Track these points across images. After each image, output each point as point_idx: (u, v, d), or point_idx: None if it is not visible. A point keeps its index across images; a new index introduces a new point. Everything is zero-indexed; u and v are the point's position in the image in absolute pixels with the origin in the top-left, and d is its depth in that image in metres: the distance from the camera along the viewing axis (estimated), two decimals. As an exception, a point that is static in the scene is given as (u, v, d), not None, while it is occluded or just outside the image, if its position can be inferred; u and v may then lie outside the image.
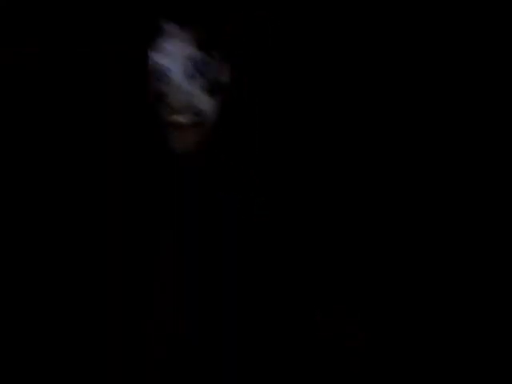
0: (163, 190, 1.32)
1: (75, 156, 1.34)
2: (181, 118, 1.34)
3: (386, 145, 1.40)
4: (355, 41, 1.40)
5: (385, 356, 1.33)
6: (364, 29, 1.40)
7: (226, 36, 1.37)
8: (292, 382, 1.29)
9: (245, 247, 1.28)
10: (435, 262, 1.37)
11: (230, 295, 1.27)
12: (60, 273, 1.29)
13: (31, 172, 1.34)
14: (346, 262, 1.33)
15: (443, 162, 1.41)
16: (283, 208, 1.32)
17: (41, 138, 1.35)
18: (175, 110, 1.34)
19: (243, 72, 1.37)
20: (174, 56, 1.35)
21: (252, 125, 1.37)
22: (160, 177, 1.33)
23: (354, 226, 1.35)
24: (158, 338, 1.27)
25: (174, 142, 1.35)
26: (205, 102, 1.36)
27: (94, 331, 1.27)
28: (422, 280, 1.36)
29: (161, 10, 1.32)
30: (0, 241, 1.30)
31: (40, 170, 1.34)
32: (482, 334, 1.36)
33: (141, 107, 1.34)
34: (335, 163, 1.38)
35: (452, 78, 1.40)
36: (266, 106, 1.37)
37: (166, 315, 1.28)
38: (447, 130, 1.40)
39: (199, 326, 1.27)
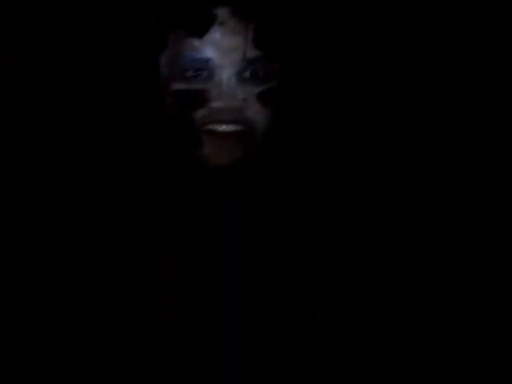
0: (163, 190, 1.32)
1: (75, 156, 1.35)
2: (224, 127, 1.18)
3: (387, 146, 1.41)
4: (358, 41, 1.40)
5: (385, 356, 1.33)
6: (366, 29, 1.40)
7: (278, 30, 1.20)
8: (292, 382, 1.29)
9: (243, 247, 1.28)
10: (435, 262, 1.37)
11: (229, 295, 1.27)
12: (60, 273, 1.29)
13: (31, 172, 1.34)
14: (346, 262, 1.33)
15: (444, 162, 1.41)
16: (282, 208, 1.32)
17: (41, 138, 1.35)
18: (218, 118, 1.16)
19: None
20: (226, 52, 1.14)
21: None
22: (159, 177, 1.33)
23: (354, 226, 1.35)
24: (157, 338, 1.27)
25: (209, 153, 1.19)
26: (256, 112, 1.18)
27: (94, 331, 1.28)
28: (421, 280, 1.36)
29: (159, 11, 1.27)
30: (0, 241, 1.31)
31: (40, 170, 1.34)
32: (482, 333, 1.36)
33: (141, 107, 1.34)
34: (335, 163, 1.38)
35: (452, 79, 1.41)
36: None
37: (166, 315, 1.28)
38: (453, 131, 1.41)
39: (198, 326, 1.27)
